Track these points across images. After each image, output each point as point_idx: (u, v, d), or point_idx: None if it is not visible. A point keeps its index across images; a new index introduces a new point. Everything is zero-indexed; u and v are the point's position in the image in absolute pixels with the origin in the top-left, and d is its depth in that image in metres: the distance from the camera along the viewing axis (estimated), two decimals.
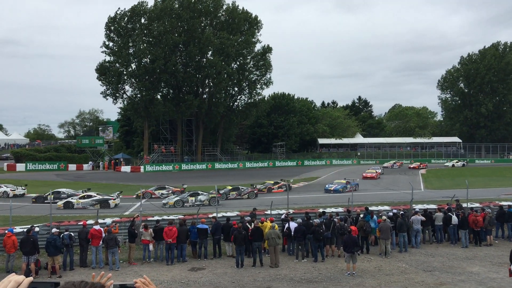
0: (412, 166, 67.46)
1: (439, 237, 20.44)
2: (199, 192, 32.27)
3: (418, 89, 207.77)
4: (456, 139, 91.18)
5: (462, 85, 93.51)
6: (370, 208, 21.40)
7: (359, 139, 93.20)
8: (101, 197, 30.84)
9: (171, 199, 31.25)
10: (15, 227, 18.38)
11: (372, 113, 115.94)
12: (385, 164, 69.22)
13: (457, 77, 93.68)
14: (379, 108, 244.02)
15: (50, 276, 16.19)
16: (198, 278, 15.90)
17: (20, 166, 62.87)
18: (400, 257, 18.25)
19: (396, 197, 31.28)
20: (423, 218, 19.91)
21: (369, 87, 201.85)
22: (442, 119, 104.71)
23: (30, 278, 1.54)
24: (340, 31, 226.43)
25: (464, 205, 22.75)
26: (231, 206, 28.88)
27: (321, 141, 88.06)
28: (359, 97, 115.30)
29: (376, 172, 52.74)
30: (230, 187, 35.82)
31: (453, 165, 71.00)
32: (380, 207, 23.60)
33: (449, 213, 20.42)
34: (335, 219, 18.90)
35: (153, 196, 34.66)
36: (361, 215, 20.20)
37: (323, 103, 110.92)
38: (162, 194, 34.99)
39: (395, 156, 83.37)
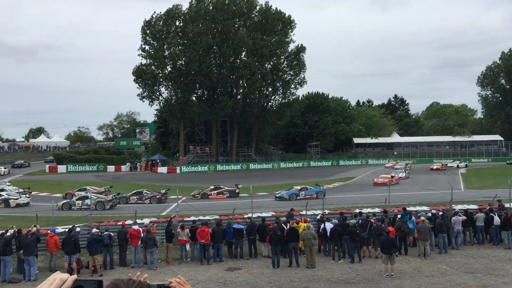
0: (434, 167, 61.47)
1: (481, 238, 19.85)
2: (87, 195, 31.53)
3: (457, 86, 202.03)
4: (497, 137, 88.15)
5: (503, 81, 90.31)
6: (408, 209, 21.00)
7: (395, 138, 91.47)
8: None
9: (60, 202, 30.99)
10: (57, 227, 18.99)
11: (409, 112, 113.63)
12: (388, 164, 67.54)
13: (497, 73, 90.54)
14: (416, 107, 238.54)
15: (92, 275, 16.63)
16: (235, 278, 15.99)
17: (61, 168, 64.81)
18: (440, 258, 17.83)
19: (434, 197, 30.54)
20: (464, 218, 19.39)
21: (406, 85, 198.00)
22: (482, 116, 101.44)
23: (74, 276, 1.58)
24: (375, 29, 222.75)
25: (507, 205, 22.02)
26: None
27: (357, 140, 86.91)
28: (395, 95, 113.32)
29: (392, 177, 45.63)
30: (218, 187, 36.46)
31: (457, 166, 65.66)
32: (418, 208, 23.11)
33: (491, 214, 19.81)
34: (372, 220, 18.64)
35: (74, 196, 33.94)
36: (399, 216, 19.86)
37: (358, 102, 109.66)
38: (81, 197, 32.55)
39: (433, 156, 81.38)
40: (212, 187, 38.02)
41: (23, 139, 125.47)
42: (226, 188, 37.21)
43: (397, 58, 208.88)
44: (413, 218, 19.29)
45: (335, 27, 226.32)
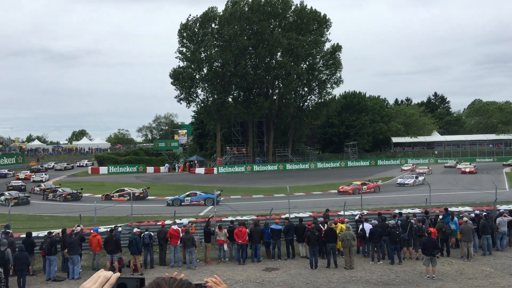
0: (462, 169, 55.63)
1: None
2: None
3: (500, 82, 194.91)
4: None
5: None
6: (450, 209, 20.45)
7: (436, 137, 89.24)
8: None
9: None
10: (100, 227, 19.51)
11: (450, 110, 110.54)
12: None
13: None
14: (458, 104, 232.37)
15: (133, 274, 17.00)
16: (273, 278, 15.99)
17: (103, 169, 66.60)
18: (484, 260, 17.27)
19: (477, 197, 29.58)
20: (510, 219, 18.72)
21: (446, 83, 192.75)
22: None
23: (118, 274, 1.61)
24: (414, 25, 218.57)
25: None
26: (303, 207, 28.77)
27: (395, 139, 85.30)
28: (435, 93, 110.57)
29: (364, 184, 38.05)
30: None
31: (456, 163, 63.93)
32: (460, 208, 22.47)
33: None
34: (412, 220, 18.26)
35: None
36: (440, 216, 19.35)
37: (396, 100, 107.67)
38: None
39: (476, 154, 79.03)
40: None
41: (66, 142, 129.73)
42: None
43: (438, 55, 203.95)
44: (455, 219, 18.78)
45: (373, 24, 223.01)
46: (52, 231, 18.01)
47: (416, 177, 43.58)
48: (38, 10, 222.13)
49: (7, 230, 18.22)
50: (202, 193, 35.30)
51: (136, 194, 34.54)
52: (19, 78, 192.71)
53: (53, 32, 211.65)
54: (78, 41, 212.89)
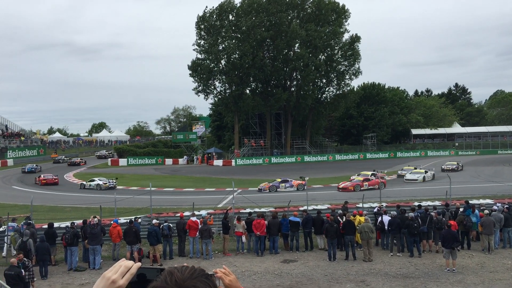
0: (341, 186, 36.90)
1: None
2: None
3: None
4: None
5: None
6: (471, 202, 20.17)
7: (456, 128, 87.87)
8: None
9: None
10: (120, 218, 19.79)
11: (471, 101, 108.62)
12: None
13: None
14: (479, 95, 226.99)
15: (152, 264, 17.20)
16: (291, 270, 16.02)
17: (122, 161, 67.42)
18: (506, 253, 17.03)
19: (499, 189, 29.15)
20: None
21: (468, 73, 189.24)
22: None
23: (139, 264, 1.62)
24: (436, 16, 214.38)
25: None
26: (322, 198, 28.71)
27: (415, 131, 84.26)
28: (456, 84, 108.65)
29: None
30: None
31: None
32: (482, 201, 22.16)
33: None
34: (432, 213, 18.07)
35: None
36: (461, 209, 19.11)
37: (416, 91, 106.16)
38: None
39: (498, 146, 77.65)
40: None
41: (86, 134, 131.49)
42: None
43: (459, 45, 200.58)
44: (476, 211, 18.53)
45: (394, 15, 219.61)
46: (74, 222, 18.34)
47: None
48: (61, 4, 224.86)
49: (28, 221, 18.60)
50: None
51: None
52: (42, 71, 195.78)
53: (75, 26, 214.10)
54: (100, 35, 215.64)
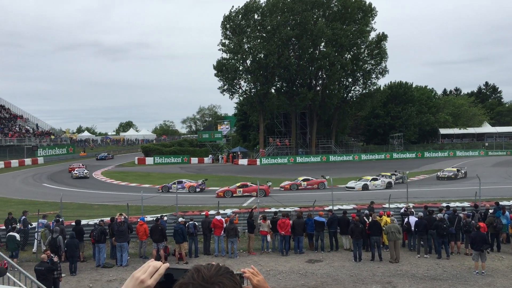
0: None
1: None
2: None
3: None
4: None
5: None
6: (501, 203, 19.70)
7: (486, 128, 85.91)
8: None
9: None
10: (146, 216, 20.05)
11: (502, 100, 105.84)
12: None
13: None
14: (510, 94, 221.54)
15: (178, 262, 17.39)
16: (316, 270, 15.96)
17: (149, 160, 68.28)
18: None
19: None
20: None
21: (499, 72, 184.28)
22: None
23: (167, 264, 1.66)
24: (467, 13, 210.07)
25: None
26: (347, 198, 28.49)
27: (443, 131, 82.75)
28: (486, 82, 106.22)
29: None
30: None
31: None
32: None
33: None
34: (461, 214, 17.72)
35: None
36: (491, 211, 18.70)
37: (444, 90, 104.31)
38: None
39: None
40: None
41: (114, 133, 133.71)
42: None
43: (490, 43, 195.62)
44: (507, 213, 18.10)
45: (423, 12, 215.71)
46: (103, 219, 18.69)
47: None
48: (91, 6, 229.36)
49: (57, 218, 19.05)
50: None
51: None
52: (71, 71, 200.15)
53: (103, 27, 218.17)
54: (127, 35, 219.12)
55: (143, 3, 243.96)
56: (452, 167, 45.14)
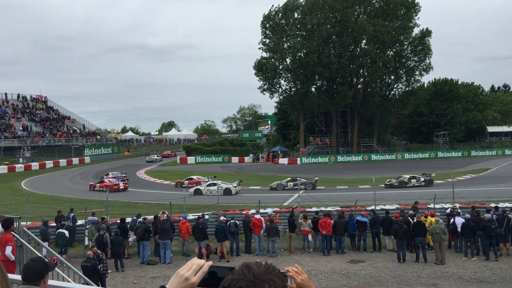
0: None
1: None
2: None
3: None
4: None
5: None
6: None
7: None
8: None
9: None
10: (188, 215, 20.37)
11: None
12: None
13: None
14: None
15: (219, 261, 17.56)
16: (358, 271, 15.75)
17: (191, 159, 69.30)
18: None
19: None
20: None
21: None
22: None
23: (210, 262, 1.69)
24: None
25: None
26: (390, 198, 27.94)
27: (491, 129, 79.79)
28: None
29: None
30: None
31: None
32: None
33: None
34: (510, 215, 17.04)
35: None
36: None
37: (492, 87, 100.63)
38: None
39: None
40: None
41: (157, 133, 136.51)
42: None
43: None
44: None
45: (471, 6, 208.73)
46: (146, 217, 19.12)
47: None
48: (138, 9, 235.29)
49: (103, 216, 19.64)
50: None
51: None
52: (117, 73, 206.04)
53: (149, 29, 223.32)
54: (172, 36, 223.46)
55: (187, 5, 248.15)
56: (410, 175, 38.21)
